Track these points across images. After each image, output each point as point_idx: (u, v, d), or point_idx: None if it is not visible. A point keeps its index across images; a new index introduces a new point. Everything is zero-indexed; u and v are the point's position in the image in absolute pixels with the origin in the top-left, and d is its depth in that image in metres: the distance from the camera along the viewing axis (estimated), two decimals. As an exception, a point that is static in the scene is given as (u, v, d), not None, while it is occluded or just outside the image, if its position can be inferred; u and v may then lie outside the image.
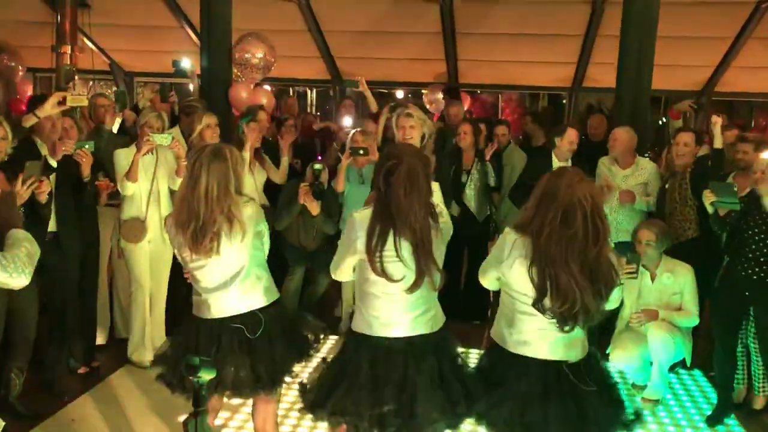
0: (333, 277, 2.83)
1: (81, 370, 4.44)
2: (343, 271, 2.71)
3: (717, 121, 4.56)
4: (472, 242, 5.53)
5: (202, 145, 3.04)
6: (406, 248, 2.48)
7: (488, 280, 2.64)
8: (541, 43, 8.60)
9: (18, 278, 2.31)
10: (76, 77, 8.02)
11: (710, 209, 4.11)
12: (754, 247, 3.89)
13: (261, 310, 2.87)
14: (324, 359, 2.77)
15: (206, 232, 2.73)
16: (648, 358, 4.28)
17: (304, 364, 2.99)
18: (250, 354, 2.78)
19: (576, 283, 2.33)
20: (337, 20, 8.70)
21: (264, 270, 2.96)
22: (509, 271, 2.47)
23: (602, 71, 8.26)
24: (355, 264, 2.65)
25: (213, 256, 2.78)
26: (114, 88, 10.45)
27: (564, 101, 10.83)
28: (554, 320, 2.42)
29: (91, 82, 11.42)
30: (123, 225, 4.51)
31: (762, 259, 3.86)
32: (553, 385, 2.46)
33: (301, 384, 2.75)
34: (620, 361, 4.40)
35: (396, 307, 2.56)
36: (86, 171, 4.10)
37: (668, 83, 8.42)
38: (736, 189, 3.98)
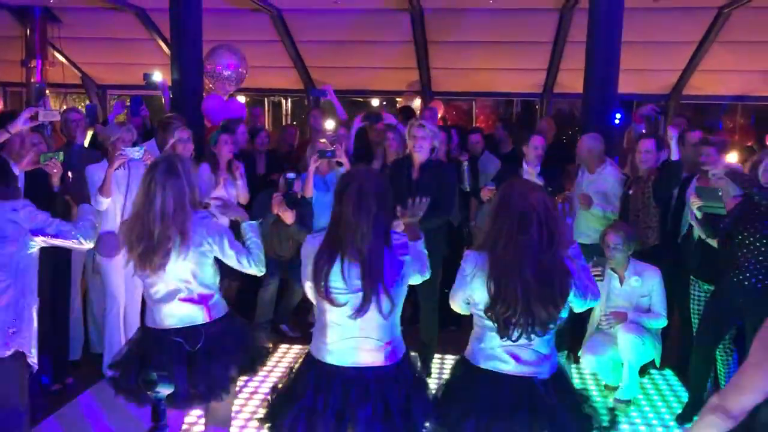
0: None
1: (54, 387, 4.42)
2: (308, 293, 2.68)
3: (672, 134, 4.59)
4: (447, 247, 5.57)
5: (154, 161, 3.01)
6: (354, 271, 2.45)
7: (457, 305, 2.65)
8: (511, 51, 8.73)
9: (85, 243, 3.05)
10: (48, 92, 7.98)
11: (698, 214, 4.11)
12: (745, 251, 3.80)
13: (203, 325, 2.88)
14: (289, 371, 2.75)
15: (158, 250, 2.76)
16: (618, 359, 4.35)
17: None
18: (188, 367, 2.78)
19: (526, 289, 2.38)
20: (309, 30, 8.75)
21: (210, 286, 2.94)
22: (472, 289, 2.51)
23: (572, 77, 8.38)
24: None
25: (159, 272, 2.82)
26: (87, 102, 10.40)
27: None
28: (497, 327, 2.45)
29: (63, 96, 11.34)
30: (98, 240, 4.48)
31: (759, 266, 3.77)
32: (524, 399, 2.48)
33: (265, 399, 2.75)
34: (591, 363, 4.47)
35: (345, 336, 2.52)
36: (56, 181, 4.08)
37: (637, 87, 8.61)
38: (721, 194, 3.95)
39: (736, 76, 8.93)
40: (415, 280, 2.69)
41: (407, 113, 7.77)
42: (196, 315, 2.90)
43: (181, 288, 2.87)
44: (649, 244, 4.74)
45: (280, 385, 2.68)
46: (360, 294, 2.45)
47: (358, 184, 2.46)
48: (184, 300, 2.88)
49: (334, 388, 2.48)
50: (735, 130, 10.44)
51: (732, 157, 5.04)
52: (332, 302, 2.48)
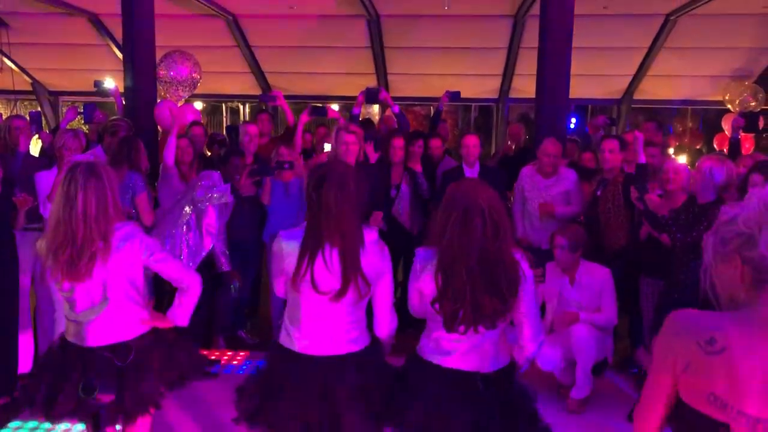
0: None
1: (1, 401, 4.29)
2: (278, 290, 2.71)
3: (638, 137, 4.70)
4: (407, 254, 5.59)
5: (75, 163, 2.80)
6: (335, 257, 2.49)
7: (412, 304, 2.67)
8: (467, 56, 8.83)
9: None
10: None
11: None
12: (688, 252, 3.96)
13: (133, 340, 2.77)
14: (257, 368, 2.76)
15: (82, 255, 2.62)
16: (572, 358, 4.42)
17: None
18: (117, 382, 2.69)
19: (472, 276, 2.40)
20: (265, 36, 8.73)
21: (138, 299, 2.82)
22: (422, 282, 2.54)
23: (527, 82, 8.52)
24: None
25: (85, 280, 2.67)
26: (35, 109, 10.16)
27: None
28: (443, 320, 2.48)
29: (14, 103, 11.08)
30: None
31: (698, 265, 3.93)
32: (465, 396, 2.51)
33: (238, 389, 2.74)
34: (546, 362, 4.53)
35: (320, 326, 2.57)
36: None
37: (589, 92, 8.80)
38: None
39: (685, 81, 9.19)
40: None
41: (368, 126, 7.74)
42: (127, 328, 2.77)
43: (110, 299, 2.73)
44: (620, 245, 4.83)
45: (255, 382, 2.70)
46: (339, 278, 2.49)
47: (338, 172, 2.51)
48: (114, 312, 2.74)
49: (313, 374, 2.54)
50: (685, 134, 10.71)
51: (682, 160, 5.19)
52: (316, 289, 2.50)
